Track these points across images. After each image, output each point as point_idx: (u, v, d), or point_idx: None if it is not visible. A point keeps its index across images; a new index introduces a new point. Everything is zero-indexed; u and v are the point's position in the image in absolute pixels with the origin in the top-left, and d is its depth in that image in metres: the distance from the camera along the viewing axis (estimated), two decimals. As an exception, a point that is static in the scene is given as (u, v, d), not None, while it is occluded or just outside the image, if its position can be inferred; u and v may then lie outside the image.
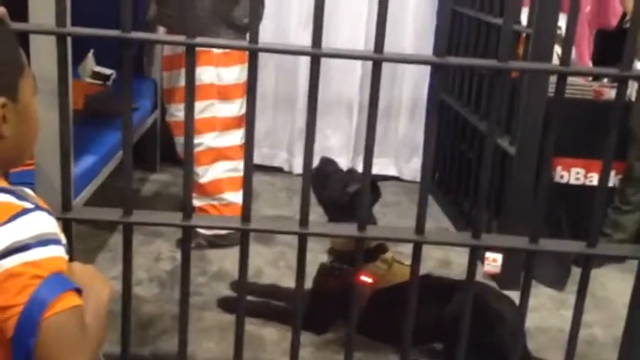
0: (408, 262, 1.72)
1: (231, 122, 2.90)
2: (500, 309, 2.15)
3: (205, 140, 2.83)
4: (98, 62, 3.40)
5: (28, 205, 0.95)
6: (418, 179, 3.79)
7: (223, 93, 2.85)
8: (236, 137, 2.92)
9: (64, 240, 0.97)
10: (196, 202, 2.75)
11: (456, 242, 1.84)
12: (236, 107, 2.89)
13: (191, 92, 1.53)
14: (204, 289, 2.61)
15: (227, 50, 2.72)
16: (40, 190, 2.01)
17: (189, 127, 1.56)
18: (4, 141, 1.00)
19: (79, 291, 0.94)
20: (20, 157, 1.09)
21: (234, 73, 2.84)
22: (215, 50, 2.73)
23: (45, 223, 0.95)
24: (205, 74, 2.75)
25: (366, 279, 2.15)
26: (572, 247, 1.80)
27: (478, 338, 1.88)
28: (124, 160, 1.60)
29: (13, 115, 1.00)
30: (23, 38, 1.65)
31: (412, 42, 3.92)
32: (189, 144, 1.58)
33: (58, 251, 0.94)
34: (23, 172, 1.79)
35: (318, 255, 2.32)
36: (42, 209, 0.96)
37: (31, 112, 1.06)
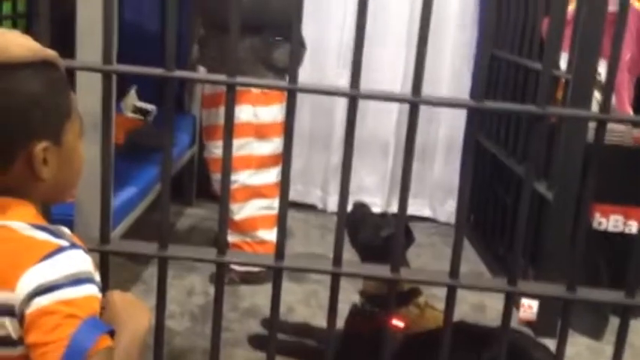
0: (442, 305, 1.70)
1: (267, 160, 2.93)
2: (536, 358, 2.10)
3: (241, 178, 2.86)
4: (140, 97, 3.49)
5: (64, 243, 0.96)
6: (453, 221, 3.82)
7: (260, 131, 2.88)
8: (271, 175, 2.94)
9: (97, 278, 0.98)
10: (230, 239, 2.77)
11: (491, 287, 1.81)
12: (272, 146, 2.92)
13: (229, 130, 1.55)
14: (236, 325, 2.61)
15: (265, 90, 2.76)
16: (79, 222, 2.05)
17: (227, 164, 1.57)
18: (43, 182, 1.02)
19: (111, 332, 0.94)
20: (59, 198, 1.11)
21: (272, 112, 2.88)
22: (253, 90, 2.78)
23: (80, 261, 0.96)
24: (243, 113, 2.79)
25: (397, 323, 2.12)
26: (610, 296, 1.76)
27: None
28: (162, 195, 1.62)
29: (54, 158, 1.02)
30: (70, 75, 1.70)
31: (449, 83, 3.93)
32: (226, 181, 1.60)
33: (92, 290, 0.95)
34: (63, 204, 1.83)
35: (350, 295, 2.31)
36: (78, 247, 0.97)
37: (75, 155, 1.08)
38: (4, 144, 0.99)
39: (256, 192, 2.93)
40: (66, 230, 1.01)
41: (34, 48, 1.03)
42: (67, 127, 1.05)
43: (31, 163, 1.00)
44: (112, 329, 0.95)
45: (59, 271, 0.92)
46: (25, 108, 0.99)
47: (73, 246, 0.97)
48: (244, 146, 2.85)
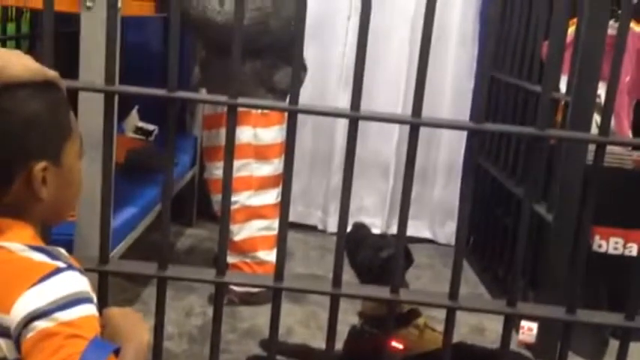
0: (441, 327, 1.70)
1: (267, 181, 2.93)
2: None
3: (240, 199, 2.86)
4: (142, 117, 3.50)
5: (61, 264, 0.96)
6: (452, 243, 3.81)
7: (260, 153, 2.89)
8: (271, 196, 2.94)
9: (95, 298, 0.98)
10: (229, 259, 2.76)
11: (490, 310, 1.80)
12: (272, 167, 2.92)
13: (230, 151, 1.56)
14: (234, 346, 2.60)
15: (265, 111, 2.78)
16: (79, 241, 2.05)
17: (228, 185, 1.58)
18: (41, 202, 1.02)
19: (117, 351, 0.95)
20: (57, 218, 1.12)
21: (272, 134, 2.89)
22: (253, 111, 2.79)
23: (77, 282, 0.96)
24: (243, 134, 2.80)
25: (397, 345, 2.11)
26: (610, 319, 1.76)
27: None
28: (163, 216, 1.63)
29: (53, 178, 1.03)
30: (72, 94, 1.71)
31: (449, 104, 3.94)
32: (226, 202, 1.60)
33: (91, 310, 0.95)
34: (62, 223, 1.83)
35: (349, 316, 2.30)
36: (74, 269, 0.97)
37: (74, 175, 1.08)
38: (4, 164, 1.00)
39: (256, 213, 2.93)
40: (62, 251, 1.00)
41: (34, 68, 1.04)
42: (67, 147, 1.06)
43: (31, 183, 1.01)
44: (118, 347, 0.95)
45: (56, 293, 0.92)
46: (25, 128, 1.00)
47: (70, 267, 0.97)
48: (244, 167, 2.86)
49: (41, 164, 1.01)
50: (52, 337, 0.89)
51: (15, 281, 0.93)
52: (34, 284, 0.92)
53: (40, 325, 0.89)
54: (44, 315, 0.90)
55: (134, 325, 1.05)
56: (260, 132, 2.88)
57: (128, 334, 1.00)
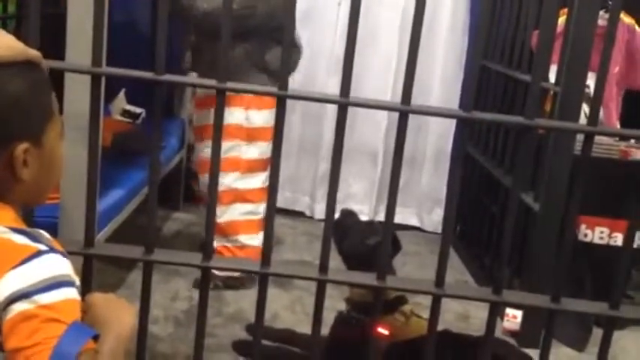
0: (427, 313, 1.70)
1: (255, 164, 2.93)
2: None
3: (227, 181, 2.85)
4: (129, 100, 3.47)
5: (42, 247, 0.95)
6: (440, 230, 3.82)
7: (251, 135, 2.88)
8: (258, 180, 2.94)
9: (77, 282, 0.97)
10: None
11: (475, 297, 1.81)
12: (261, 150, 2.91)
13: (218, 135, 1.55)
14: (220, 330, 2.60)
15: None
16: (64, 224, 2.04)
17: (215, 169, 1.57)
18: (22, 184, 1.01)
19: (96, 337, 0.93)
20: (37, 200, 1.10)
21: (264, 117, 2.88)
22: None
23: (59, 265, 0.95)
24: (234, 115, 2.79)
25: (382, 331, 2.12)
26: (594, 308, 1.77)
27: None
28: (149, 200, 1.62)
29: (35, 159, 1.01)
30: (59, 75, 1.70)
31: (438, 92, 3.95)
32: (214, 185, 1.60)
33: (72, 293, 0.93)
34: (48, 205, 1.82)
35: (336, 303, 2.31)
36: (56, 251, 0.96)
37: (55, 157, 1.07)
38: None
39: (241, 196, 2.92)
40: (44, 234, 0.99)
41: (16, 47, 1.02)
42: (49, 128, 1.04)
43: (12, 165, 0.99)
44: (97, 334, 0.94)
45: (37, 276, 0.91)
46: (8, 108, 0.98)
47: (52, 250, 0.96)
48: (233, 149, 2.85)
49: (23, 145, 0.99)
50: (30, 320, 0.88)
51: None
52: (15, 266, 0.91)
53: (19, 307, 0.88)
54: (24, 297, 0.89)
55: (116, 310, 1.02)
56: (252, 114, 2.87)
57: (110, 321, 0.98)
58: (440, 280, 1.63)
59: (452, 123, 3.76)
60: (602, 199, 3.02)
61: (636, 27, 3.29)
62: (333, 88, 3.72)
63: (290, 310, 2.84)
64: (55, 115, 1.07)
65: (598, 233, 3.16)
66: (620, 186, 2.91)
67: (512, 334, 2.76)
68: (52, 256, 0.95)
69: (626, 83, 3.43)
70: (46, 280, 0.91)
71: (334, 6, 3.85)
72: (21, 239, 0.95)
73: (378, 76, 3.90)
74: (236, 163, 2.89)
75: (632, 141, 3.22)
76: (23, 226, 1.00)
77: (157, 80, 1.50)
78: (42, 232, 0.99)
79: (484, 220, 3.42)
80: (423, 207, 4.12)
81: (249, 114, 2.86)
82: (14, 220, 1.00)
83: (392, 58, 3.89)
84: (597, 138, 1.87)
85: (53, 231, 2.09)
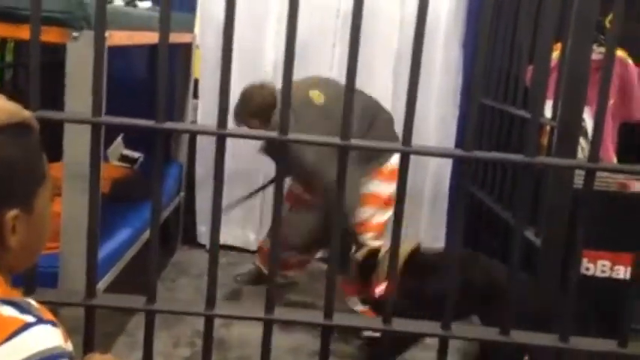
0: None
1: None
2: None
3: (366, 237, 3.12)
4: (126, 144, 3.48)
5: (30, 319, 0.91)
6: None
7: (388, 203, 3.09)
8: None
9: (69, 348, 0.94)
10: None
11: (482, 337, 1.79)
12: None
13: (219, 182, 1.54)
14: (223, 377, 2.56)
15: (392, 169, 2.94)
16: (65, 274, 2.02)
17: (216, 220, 1.56)
18: (9, 251, 0.97)
19: None
20: (24, 265, 1.05)
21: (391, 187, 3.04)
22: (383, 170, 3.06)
23: (48, 337, 0.91)
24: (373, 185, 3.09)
25: None
26: (603, 346, 1.75)
27: None
28: (150, 251, 1.60)
29: (23, 226, 0.97)
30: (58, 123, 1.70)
31: (434, 131, 3.95)
32: (215, 235, 1.59)
33: None
34: (48, 255, 1.80)
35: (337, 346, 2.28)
36: (45, 322, 0.92)
37: (43, 220, 1.03)
38: None
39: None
40: (32, 303, 0.95)
41: (10, 109, 0.97)
42: (40, 192, 1.00)
43: (0, 231, 0.95)
44: None
45: (25, 351, 0.87)
46: (1, 175, 0.94)
47: (40, 321, 0.91)
48: (373, 215, 3.12)
49: (12, 212, 0.95)
50: None
51: None
52: (2, 342, 0.87)
53: None
54: None
55: None
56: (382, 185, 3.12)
57: None
58: (446, 323, 1.62)
59: (448, 161, 3.76)
60: (602, 232, 3.00)
61: (628, 60, 3.32)
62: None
63: (293, 355, 2.80)
64: (46, 178, 1.03)
65: (600, 266, 3.14)
66: (620, 219, 2.90)
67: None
68: (40, 328, 0.90)
69: (620, 116, 3.46)
70: (34, 355, 0.87)
71: (329, 47, 3.89)
72: (8, 311, 0.91)
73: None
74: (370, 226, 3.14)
75: (630, 173, 3.22)
76: (12, 293, 0.96)
77: (158, 129, 1.50)
78: (30, 300, 0.95)
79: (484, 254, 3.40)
80: (424, 244, 4.09)
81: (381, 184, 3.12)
82: (1, 288, 0.96)
83: (387, 102, 3.91)
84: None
85: (53, 281, 2.07)
